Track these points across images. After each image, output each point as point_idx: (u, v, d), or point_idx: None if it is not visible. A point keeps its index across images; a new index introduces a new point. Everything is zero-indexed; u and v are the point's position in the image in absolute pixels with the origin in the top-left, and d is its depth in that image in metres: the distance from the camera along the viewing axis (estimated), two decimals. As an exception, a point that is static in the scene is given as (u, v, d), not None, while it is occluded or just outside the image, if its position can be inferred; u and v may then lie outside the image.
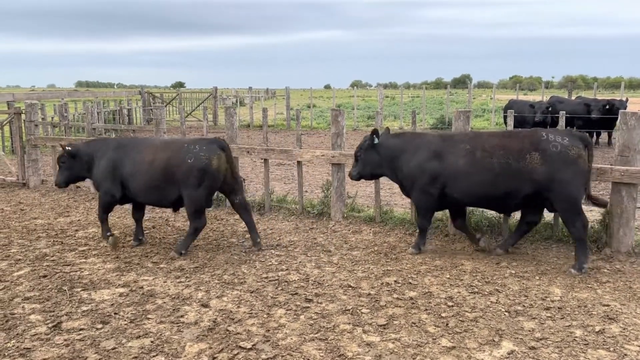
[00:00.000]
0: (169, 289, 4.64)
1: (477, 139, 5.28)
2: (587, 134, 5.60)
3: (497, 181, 5.03)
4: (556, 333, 3.80)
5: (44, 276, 4.97)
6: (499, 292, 4.53)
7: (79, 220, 7.15)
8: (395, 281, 4.78)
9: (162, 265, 5.26)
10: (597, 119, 13.36)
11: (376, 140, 5.64)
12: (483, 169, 5.07)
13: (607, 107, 13.43)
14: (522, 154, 4.97)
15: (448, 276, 4.90)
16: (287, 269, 5.13)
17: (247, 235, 6.28)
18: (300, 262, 5.34)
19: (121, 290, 4.63)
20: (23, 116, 9.28)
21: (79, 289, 4.65)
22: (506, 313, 4.12)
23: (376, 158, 5.67)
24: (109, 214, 5.99)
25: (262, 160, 7.26)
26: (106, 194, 5.75)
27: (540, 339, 3.71)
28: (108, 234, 5.83)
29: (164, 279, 4.89)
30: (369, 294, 4.50)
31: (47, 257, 5.51)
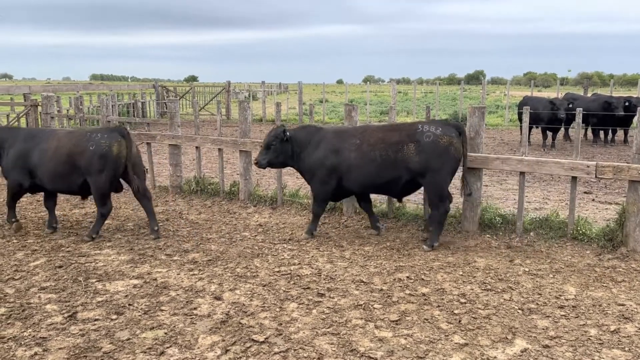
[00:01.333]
0: (182, 282, 4.68)
1: (365, 133, 5.71)
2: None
3: (381, 171, 5.51)
4: (570, 332, 3.77)
5: (60, 266, 5.03)
6: (512, 289, 4.51)
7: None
8: (407, 277, 4.77)
9: (175, 258, 5.30)
10: (613, 116, 13.19)
11: (287, 134, 5.87)
12: (369, 161, 5.53)
13: (626, 104, 13.25)
14: (400, 145, 5.44)
15: (461, 273, 4.88)
16: (299, 263, 5.14)
17: (260, 229, 6.31)
18: (312, 256, 5.35)
19: (135, 281, 4.68)
20: (39, 108, 9.38)
21: (94, 280, 4.70)
22: (519, 311, 4.10)
23: (288, 149, 5.92)
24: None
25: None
26: (14, 182, 6.01)
27: (554, 338, 3.68)
28: (13, 219, 6.21)
29: (177, 272, 4.92)
30: (381, 290, 4.49)
31: (63, 248, 5.58)
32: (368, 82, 36.25)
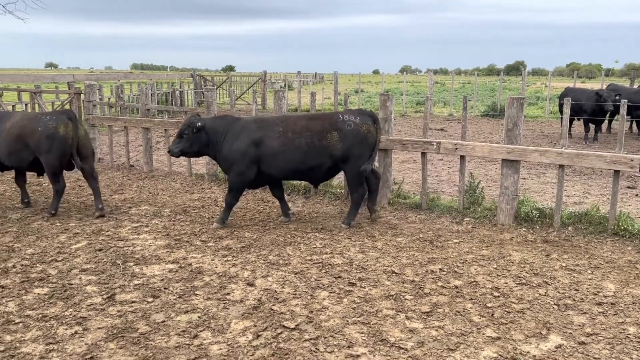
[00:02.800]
0: (217, 267, 4.77)
1: (288, 121, 5.83)
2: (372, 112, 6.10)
3: (305, 158, 5.68)
4: (608, 329, 3.67)
5: (100, 250, 5.20)
6: (548, 284, 4.41)
7: (132, 197, 7.41)
8: (440, 269, 4.73)
9: (210, 244, 5.40)
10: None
11: (199, 124, 5.85)
12: (294, 148, 5.65)
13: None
14: (324, 133, 5.65)
15: (495, 266, 4.81)
16: (331, 253, 5.17)
17: (293, 218, 6.35)
18: (344, 246, 5.37)
19: (171, 266, 4.80)
20: (82, 96, 9.66)
21: (132, 264, 4.84)
22: (555, 306, 4.01)
23: (204, 138, 5.90)
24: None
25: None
26: None
27: (591, 335, 3.60)
28: None
29: (211, 257, 5.02)
30: (413, 281, 4.47)
31: (103, 232, 5.76)
32: (405, 72, 35.84)
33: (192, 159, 9.82)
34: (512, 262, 4.90)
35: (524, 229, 5.78)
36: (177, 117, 14.02)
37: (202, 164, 9.22)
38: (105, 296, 4.14)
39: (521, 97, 5.86)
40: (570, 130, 14.17)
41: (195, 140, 5.91)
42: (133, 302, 4.06)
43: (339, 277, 4.56)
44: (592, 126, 13.23)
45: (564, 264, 4.84)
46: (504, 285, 4.40)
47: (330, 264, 4.85)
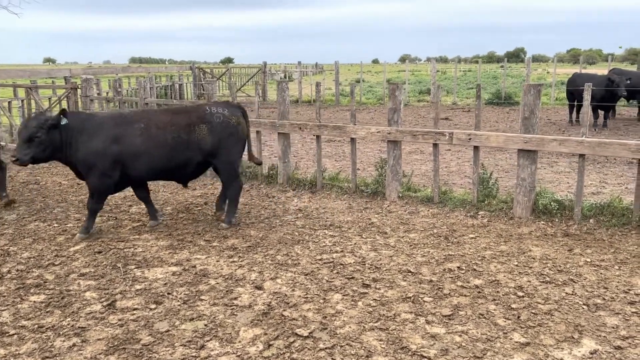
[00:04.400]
0: (222, 269, 4.52)
1: (150, 116, 5.43)
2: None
3: (173, 154, 5.33)
4: (644, 331, 3.43)
5: (99, 252, 4.95)
6: (574, 282, 4.16)
7: (132, 195, 7.14)
8: (458, 267, 4.48)
9: (214, 244, 5.15)
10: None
11: (64, 121, 5.13)
12: (160, 145, 5.27)
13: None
14: (192, 127, 5.36)
15: (516, 263, 4.55)
16: (341, 251, 4.92)
17: (300, 214, 6.11)
18: (355, 243, 5.12)
19: (174, 269, 4.55)
20: (79, 91, 9.38)
21: (133, 267, 4.60)
22: (584, 306, 3.76)
23: (58, 140, 5.14)
24: None
25: (314, 137, 7.02)
26: None
27: (627, 338, 3.35)
28: None
29: (216, 258, 4.77)
30: (431, 281, 4.22)
31: (103, 234, 5.51)
32: (406, 61, 35.38)
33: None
34: (534, 258, 4.65)
35: (542, 222, 5.52)
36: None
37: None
38: (105, 303, 3.90)
39: (538, 83, 5.58)
40: (578, 117, 13.87)
41: (49, 141, 5.08)
42: (135, 309, 3.81)
43: (352, 277, 4.31)
44: (601, 112, 12.93)
45: (588, 260, 4.59)
46: (528, 284, 4.15)
47: (341, 264, 4.60)
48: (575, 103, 13.56)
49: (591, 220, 5.40)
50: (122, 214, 6.21)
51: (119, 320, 3.65)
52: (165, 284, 4.24)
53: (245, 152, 5.91)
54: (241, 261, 4.70)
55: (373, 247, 5.03)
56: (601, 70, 27.78)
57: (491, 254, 4.79)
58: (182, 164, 5.41)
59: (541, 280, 4.21)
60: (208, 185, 7.57)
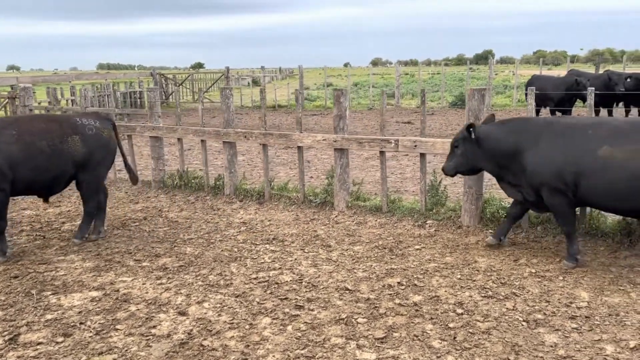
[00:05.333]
0: (147, 293, 4.20)
1: (22, 123, 5.07)
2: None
3: (50, 165, 5.01)
4: (583, 350, 3.24)
5: (15, 277, 4.56)
6: (517, 295, 3.98)
7: (68, 210, 6.76)
8: (398, 283, 4.25)
9: (144, 264, 4.82)
10: (615, 94, 12.45)
11: None
12: (36, 154, 4.90)
13: (628, 80, 12.49)
14: (66, 137, 5.10)
15: (459, 276, 4.35)
16: (280, 268, 4.64)
17: (243, 227, 5.82)
18: (295, 259, 4.85)
19: (94, 294, 4.20)
20: (17, 100, 8.90)
21: (49, 293, 4.23)
22: (524, 323, 3.57)
23: None
24: None
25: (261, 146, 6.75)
26: None
27: (565, 358, 3.16)
28: None
29: (143, 280, 4.44)
30: (368, 299, 3.98)
31: (25, 254, 5.12)
32: (377, 65, 35.44)
33: (144, 164, 9.19)
34: (478, 270, 4.46)
35: (490, 231, 5.34)
36: (135, 119, 13.31)
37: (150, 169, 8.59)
38: (7, 337, 3.54)
39: (482, 87, 5.42)
40: (537, 118, 13.90)
41: None
42: (39, 343, 3.46)
43: (285, 298, 4.04)
44: (558, 114, 12.97)
45: (533, 270, 4.42)
46: (469, 299, 3.95)
47: (277, 283, 4.32)
48: (534, 106, 13.58)
49: (538, 228, 5.25)
50: (52, 232, 5.82)
51: (18, 358, 3.30)
52: (80, 312, 3.89)
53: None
54: (169, 283, 4.38)
55: (314, 262, 4.77)
56: (564, 71, 28.20)
57: (435, 266, 4.58)
58: (57, 175, 5.09)
59: (483, 294, 4.01)
60: (151, 198, 7.21)
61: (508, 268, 4.49)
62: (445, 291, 4.09)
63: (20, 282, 4.46)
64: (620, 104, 14.01)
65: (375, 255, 4.90)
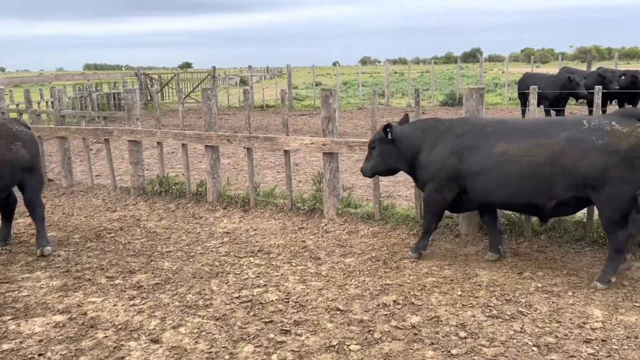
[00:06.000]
0: (117, 316, 3.80)
1: None
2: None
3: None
4: (602, 380, 2.90)
5: (-27, 299, 4.14)
6: (524, 315, 3.63)
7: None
8: (394, 301, 3.89)
9: (117, 282, 4.41)
10: (618, 92, 12.21)
11: None
12: None
13: (622, 77, 12.27)
14: (12, 142, 4.94)
15: (460, 292, 4.00)
16: (265, 285, 4.26)
17: (226, 238, 5.43)
18: (282, 274, 4.47)
19: (59, 318, 3.79)
20: (-11, 103, 8.42)
21: (8, 318, 3.81)
22: (534, 348, 3.22)
23: None
24: None
25: (245, 149, 6.36)
26: None
27: (583, 391, 2.81)
28: None
29: (114, 301, 4.04)
30: (362, 321, 3.61)
31: (-13, 272, 4.69)
32: (366, 64, 35.14)
33: (124, 168, 8.78)
34: (480, 285, 4.11)
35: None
36: (118, 122, 12.83)
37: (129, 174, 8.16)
38: (-46, 374, 3.13)
39: (480, 87, 5.08)
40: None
41: None
42: (-10, 381, 3.06)
43: (270, 321, 3.66)
44: (553, 114, 12.70)
45: (539, 285, 4.08)
46: (472, 319, 3.59)
47: (261, 303, 3.94)
48: (535, 105, 13.33)
49: (542, 237, 4.91)
50: (20, 246, 5.39)
51: (-37, 399, 2.90)
52: (40, 340, 3.48)
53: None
54: (143, 304, 3.98)
55: (302, 277, 4.39)
56: (553, 69, 28.07)
57: (433, 281, 4.23)
58: (8, 184, 4.95)
59: (487, 314, 3.66)
60: (130, 206, 6.79)
61: (512, 282, 4.15)
62: (446, 310, 3.73)
63: (-22, 305, 4.04)
64: (614, 102, 13.80)
65: (369, 268, 4.54)
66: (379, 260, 4.70)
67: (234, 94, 23.60)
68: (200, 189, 6.80)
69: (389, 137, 4.63)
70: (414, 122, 4.81)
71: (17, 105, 10.44)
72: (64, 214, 6.61)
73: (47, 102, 15.95)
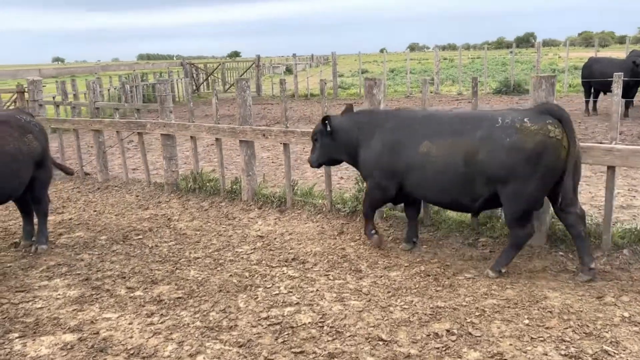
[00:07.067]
0: (131, 337, 3.38)
1: None
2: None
3: (18, 170, 4.68)
4: None
5: (-16, 310, 3.84)
6: (610, 355, 2.97)
7: (70, 219, 6.05)
8: (448, 330, 3.30)
9: (137, 293, 4.01)
10: None
11: None
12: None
13: None
14: (22, 137, 4.72)
15: (526, 321, 3.36)
16: (297, 303, 3.75)
17: (259, 243, 4.96)
18: (317, 289, 3.95)
19: (69, 337, 3.42)
20: (27, 95, 8.28)
21: (16, 335, 3.47)
22: (628, 404, 2.57)
23: None
24: None
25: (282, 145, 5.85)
26: None
27: None
28: None
29: (131, 317, 3.64)
30: (409, 356, 3.05)
31: (5, 278, 4.40)
32: (414, 50, 34.00)
33: (161, 163, 8.49)
34: (551, 312, 3.45)
35: (560, 253, 4.31)
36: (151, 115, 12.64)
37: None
38: (-55, 406, 2.79)
39: (551, 75, 4.35)
40: (595, 107, 12.53)
41: None
42: (-20, 417, 2.69)
43: (302, 352, 3.15)
44: (622, 101, 11.58)
45: (626, 314, 3.39)
46: (544, 359, 2.96)
47: (292, 326, 3.44)
48: (593, 91, 12.23)
49: (625, 251, 4.17)
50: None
51: None
52: (44, 366, 3.11)
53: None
54: (161, 322, 3.56)
55: (339, 295, 3.86)
56: (616, 53, 26.18)
57: (493, 304, 3.60)
58: (24, 182, 4.73)
59: (563, 352, 3.02)
60: (162, 204, 6.44)
61: (591, 309, 3.47)
62: (511, 344, 3.11)
63: (-13, 318, 3.73)
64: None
65: (417, 285, 3.95)
66: (428, 276, 4.10)
67: (278, 83, 23.19)
68: (234, 186, 6.37)
69: (327, 129, 4.64)
70: (352, 113, 4.78)
71: (54, 97, 10.31)
72: (95, 211, 6.32)
73: (54, 97, 15.96)
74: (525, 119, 3.73)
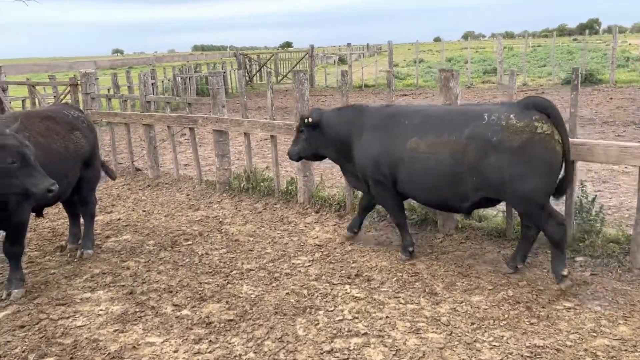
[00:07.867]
0: (176, 369, 2.96)
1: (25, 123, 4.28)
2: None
3: (65, 169, 4.42)
4: None
5: (22, 326, 3.51)
6: None
7: (119, 219, 5.76)
8: (553, 381, 2.69)
9: (184, 312, 3.60)
10: None
11: None
12: (53, 158, 4.28)
13: None
14: (69, 135, 4.48)
15: (653, 372, 2.70)
16: (365, 333, 3.23)
17: (318, 253, 4.47)
18: (387, 316, 3.41)
19: (108, 365, 3.03)
20: (80, 88, 8.10)
21: (51, 360, 3.12)
22: None
23: None
24: None
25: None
26: None
27: None
28: None
29: (177, 344, 3.22)
30: (508, 416, 2.46)
31: (47, 287, 4.09)
32: (468, 38, 32.50)
33: (213, 158, 8.16)
34: (684, 362, 2.77)
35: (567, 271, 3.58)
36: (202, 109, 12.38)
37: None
38: None
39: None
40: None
41: None
42: None
43: (373, 401, 2.62)
44: None
45: None
46: None
47: (360, 364, 2.91)
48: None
49: None
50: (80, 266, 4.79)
51: None
52: (78, 403, 2.72)
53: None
54: (210, 352, 3.12)
55: (414, 324, 3.30)
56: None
57: (604, 345, 2.95)
58: (70, 182, 4.46)
59: None
60: (214, 204, 6.05)
61: None
62: (639, 406, 2.47)
63: (25, 335, 3.40)
64: None
65: (506, 315, 3.34)
66: (518, 303, 3.48)
67: (332, 73, 22.63)
68: (290, 187, 5.90)
69: (311, 122, 4.44)
70: (339, 108, 4.62)
71: (108, 90, 10.18)
72: (144, 211, 6.01)
73: (108, 89, 15.94)
74: (511, 116, 3.54)
